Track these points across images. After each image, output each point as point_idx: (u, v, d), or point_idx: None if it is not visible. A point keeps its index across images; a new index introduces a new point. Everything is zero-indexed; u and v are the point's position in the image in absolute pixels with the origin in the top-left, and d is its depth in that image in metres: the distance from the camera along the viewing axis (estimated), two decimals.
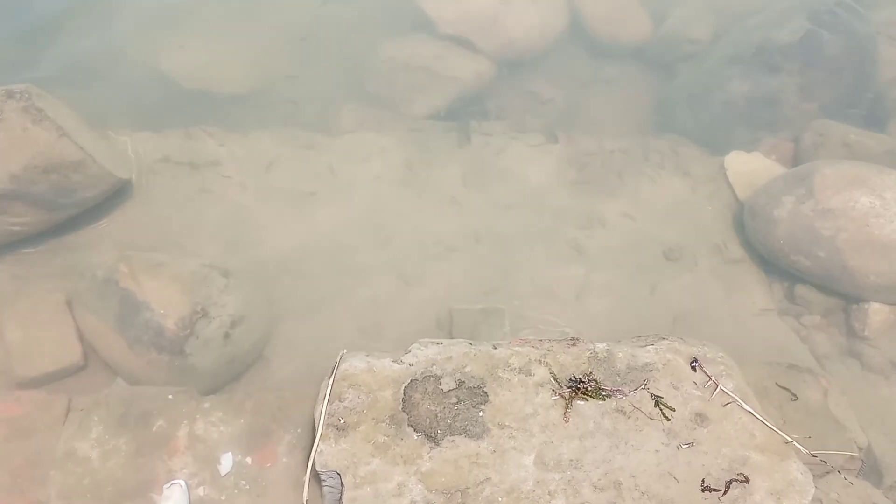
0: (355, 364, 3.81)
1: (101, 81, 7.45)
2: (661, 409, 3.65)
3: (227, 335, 4.67)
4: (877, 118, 7.18)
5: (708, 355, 3.92)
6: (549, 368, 3.79)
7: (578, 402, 3.66)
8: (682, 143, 7.06)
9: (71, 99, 5.69)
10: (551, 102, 7.91)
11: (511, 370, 3.78)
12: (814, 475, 3.55)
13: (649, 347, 3.93)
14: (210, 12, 8.17)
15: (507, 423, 3.59)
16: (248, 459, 3.79)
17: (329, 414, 3.60)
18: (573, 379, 3.73)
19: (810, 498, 3.43)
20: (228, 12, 8.22)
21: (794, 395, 4.44)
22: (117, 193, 5.58)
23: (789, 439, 3.62)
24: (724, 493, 3.40)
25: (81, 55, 7.69)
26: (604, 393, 3.69)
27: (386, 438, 3.53)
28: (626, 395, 3.70)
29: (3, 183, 4.80)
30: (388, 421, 3.59)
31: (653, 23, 8.27)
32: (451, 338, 4.56)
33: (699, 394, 3.74)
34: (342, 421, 3.57)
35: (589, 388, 3.69)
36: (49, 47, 7.73)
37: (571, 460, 3.48)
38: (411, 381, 3.72)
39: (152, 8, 8.17)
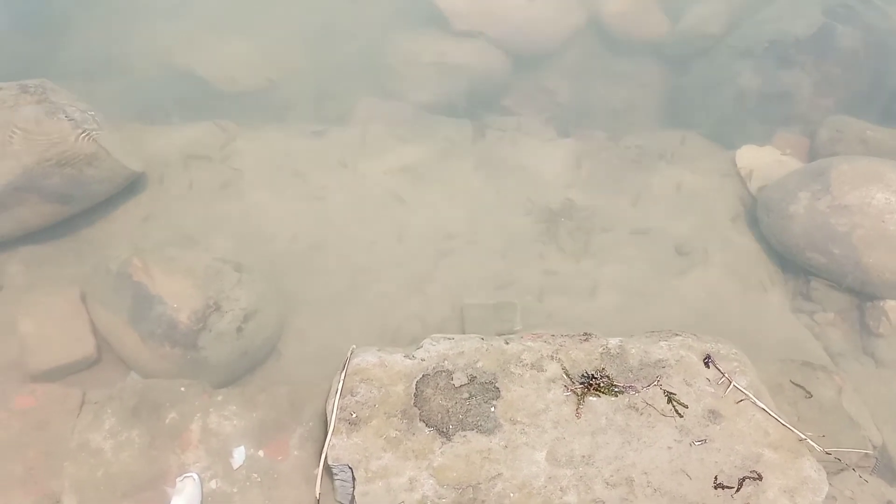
0: (367, 359, 3.81)
1: (115, 76, 7.50)
2: (673, 406, 3.63)
3: (239, 329, 4.68)
4: (894, 114, 7.12)
5: (721, 352, 3.90)
6: (562, 364, 3.78)
7: (591, 398, 3.65)
8: (694, 137, 7.03)
9: (85, 93, 5.72)
10: (565, 97, 7.89)
11: (523, 366, 3.78)
12: (828, 473, 3.53)
13: (662, 343, 3.91)
14: (224, 8, 8.20)
15: (518, 419, 3.58)
16: (261, 453, 3.80)
17: (341, 408, 3.61)
18: (585, 375, 3.72)
19: (824, 496, 3.41)
20: (243, 8, 8.25)
21: (809, 392, 4.42)
22: (131, 187, 5.62)
23: (803, 437, 3.60)
24: (737, 490, 3.38)
25: (96, 50, 7.74)
26: (616, 389, 3.68)
27: (398, 433, 3.53)
28: (638, 392, 3.68)
29: (16, 176, 4.83)
30: (399, 415, 3.59)
31: (668, 19, 8.24)
32: (464, 333, 4.56)
33: (712, 391, 3.72)
34: (354, 415, 3.58)
35: (601, 384, 3.67)
36: (64, 42, 7.77)
37: (583, 456, 3.47)
38: (423, 375, 3.72)
39: (167, 3, 8.20)
